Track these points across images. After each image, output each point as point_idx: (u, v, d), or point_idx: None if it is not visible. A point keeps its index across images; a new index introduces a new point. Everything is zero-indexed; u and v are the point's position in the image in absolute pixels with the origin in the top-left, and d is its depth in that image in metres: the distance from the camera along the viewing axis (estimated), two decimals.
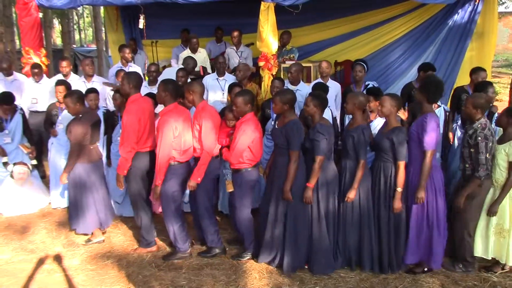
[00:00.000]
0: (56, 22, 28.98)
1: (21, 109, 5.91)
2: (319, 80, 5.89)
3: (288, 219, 4.18)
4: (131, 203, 4.72)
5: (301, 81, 5.83)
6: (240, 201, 4.39)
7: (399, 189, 3.99)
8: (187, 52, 7.21)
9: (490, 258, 4.18)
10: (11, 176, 5.59)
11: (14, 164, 5.57)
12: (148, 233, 4.69)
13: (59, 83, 5.63)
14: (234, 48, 7.39)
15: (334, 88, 5.76)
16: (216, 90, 6.07)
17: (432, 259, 4.13)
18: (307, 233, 4.21)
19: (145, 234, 4.69)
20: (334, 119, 5.17)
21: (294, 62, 6.30)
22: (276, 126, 4.28)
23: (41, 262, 4.54)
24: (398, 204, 4.02)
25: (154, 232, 4.80)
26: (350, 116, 4.35)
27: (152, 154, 4.43)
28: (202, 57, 7.24)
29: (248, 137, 4.20)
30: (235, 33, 7.26)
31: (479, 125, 3.92)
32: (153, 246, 4.76)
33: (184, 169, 4.41)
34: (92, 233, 4.95)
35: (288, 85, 5.63)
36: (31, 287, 4.09)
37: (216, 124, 4.40)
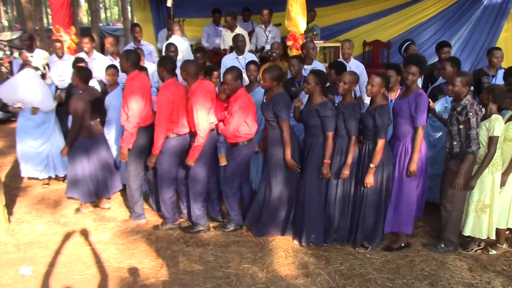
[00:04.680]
0: (82, 0, 29.26)
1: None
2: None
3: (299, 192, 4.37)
4: (125, 175, 4.83)
5: (313, 60, 5.76)
6: (232, 173, 4.55)
7: (372, 165, 4.04)
8: (224, 31, 7.28)
9: (466, 235, 4.21)
10: None
11: None
12: (138, 205, 4.87)
13: (77, 61, 5.73)
14: (263, 26, 7.28)
15: (357, 68, 5.59)
16: None
17: (404, 225, 4.28)
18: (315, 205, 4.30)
19: (134, 206, 4.86)
20: (358, 98, 5.11)
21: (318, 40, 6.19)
22: (264, 101, 4.39)
23: (72, 235, 4.67)
24: (370, 179, 4.06)
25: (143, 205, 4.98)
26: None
27: (153, 128, 4.52)
28: None
29: (244, 112, 4.31)
30: (265, 11, 7.13)
31: (467, 101, 3.97)
32: (143, 219, 4.94)
33: (182, 141, 4.52)
34: (81, 204, 5.15)
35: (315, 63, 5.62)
36: (63, 259, 4.21)
37: (211, 103, 4.46)
